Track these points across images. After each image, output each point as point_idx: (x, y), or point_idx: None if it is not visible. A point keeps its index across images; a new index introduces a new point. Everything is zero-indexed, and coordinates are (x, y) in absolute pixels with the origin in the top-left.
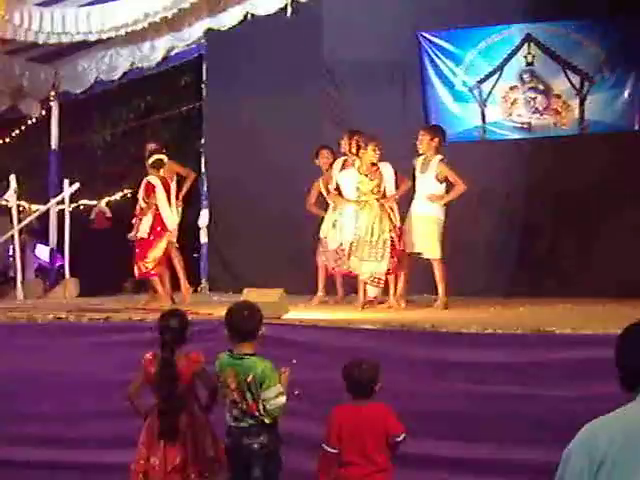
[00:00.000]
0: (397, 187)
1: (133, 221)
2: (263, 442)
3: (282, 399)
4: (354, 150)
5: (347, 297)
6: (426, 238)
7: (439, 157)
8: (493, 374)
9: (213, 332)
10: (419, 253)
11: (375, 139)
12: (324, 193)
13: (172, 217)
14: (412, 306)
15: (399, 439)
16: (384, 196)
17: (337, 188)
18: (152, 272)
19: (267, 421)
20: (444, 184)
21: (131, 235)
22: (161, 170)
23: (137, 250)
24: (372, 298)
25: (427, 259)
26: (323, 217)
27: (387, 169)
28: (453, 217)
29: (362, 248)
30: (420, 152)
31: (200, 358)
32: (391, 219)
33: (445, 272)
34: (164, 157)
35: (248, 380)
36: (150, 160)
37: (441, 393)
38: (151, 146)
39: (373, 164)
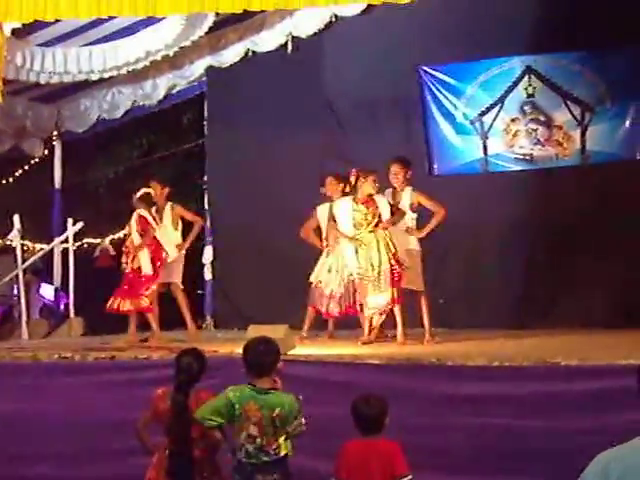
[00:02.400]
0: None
1: (123, 257)
2: (276, 479)
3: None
4: (352, 180)
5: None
6: (410, 271)
7: (410, 188)
8: (500, 407)
9: (219, 369)
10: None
11: (375, 172)
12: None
13: (172, 249)
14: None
15: None
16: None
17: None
18: (150, 307)
19: (283, 452)
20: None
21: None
22: (151, 204)
23: (135, 284)
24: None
25: (413, 291)
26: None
27: (382, 201)
28: (455, 249)
29: (366, 285)
30: (394, 185)
31: (210, 398)
32: (389, 247)
33: (430, 304)
34: (151, 191)
35: (274, 415)
36: (138, 194)
37: (448, 426)
38: (151, 182)
39: (369, 195)
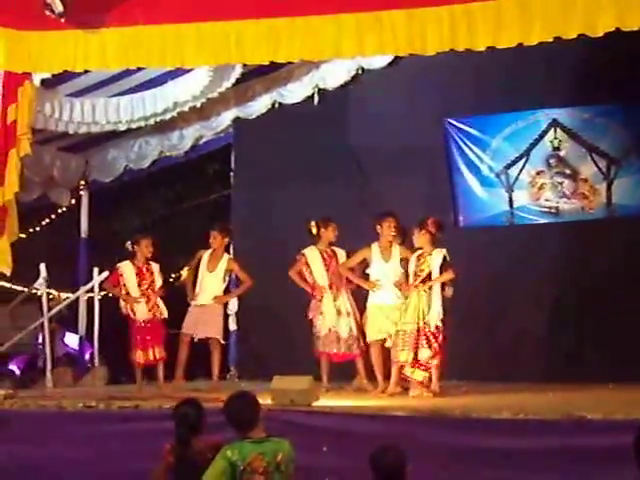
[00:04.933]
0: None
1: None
2: None
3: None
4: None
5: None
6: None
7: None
8: (525, 460)
9: None
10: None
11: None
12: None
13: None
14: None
15: None
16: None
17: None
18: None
19: None
20: None
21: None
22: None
23: (155, 333)
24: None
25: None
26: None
27: (438, 256)
28: (480, 302)
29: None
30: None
31: (220, 444)
32: (421, 310)
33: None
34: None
35: (278, 460)
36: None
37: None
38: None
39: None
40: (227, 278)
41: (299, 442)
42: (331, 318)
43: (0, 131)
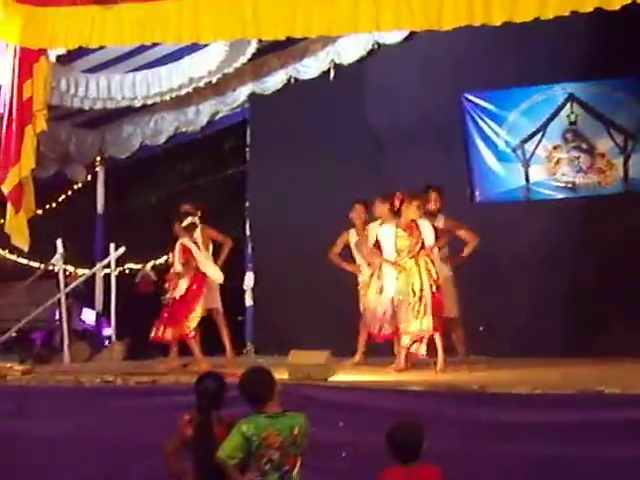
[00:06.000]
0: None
1: (166, 285)
2: None
3: None
4: (397, 204)
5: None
6: (450, 298)
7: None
8: (542, 435)
9: None
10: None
11: (420, 197)
12: (352, 245)
13: (217, 273)
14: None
15: None
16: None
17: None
18: (190, 334)
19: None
20: None
21: (167, 297)
22: (194, 233)
23: (176, 312)
24: (422, 356)
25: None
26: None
27: (426, 226)
28: (497, 277)
29: (405, 311)
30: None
31: (234, 422)
32: (430, 273)
33: (463, 331)
34: (196, 220)
35: (294, 433)
36: (184, 223)
37: (490, 454)
38: (184, 207)
39: (412, 220)
40: (210, 245)
41: (315, 417)
42: (368, 296)
43: (16, 107)
